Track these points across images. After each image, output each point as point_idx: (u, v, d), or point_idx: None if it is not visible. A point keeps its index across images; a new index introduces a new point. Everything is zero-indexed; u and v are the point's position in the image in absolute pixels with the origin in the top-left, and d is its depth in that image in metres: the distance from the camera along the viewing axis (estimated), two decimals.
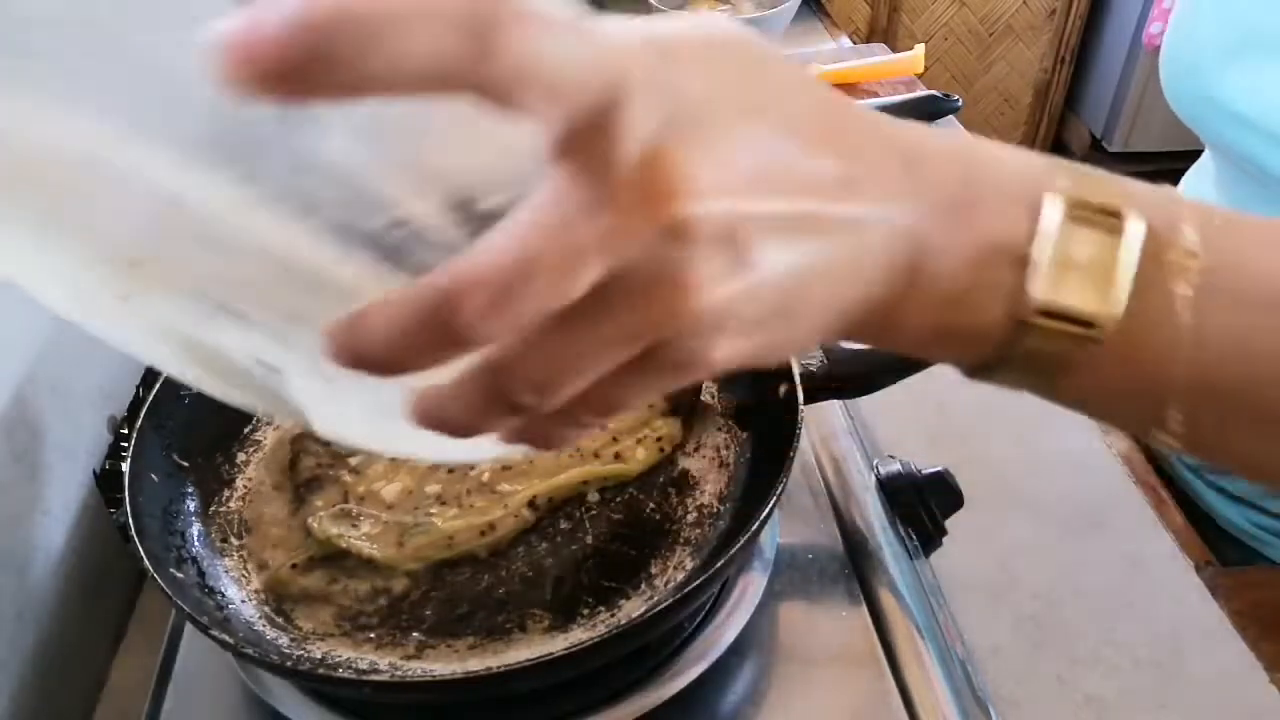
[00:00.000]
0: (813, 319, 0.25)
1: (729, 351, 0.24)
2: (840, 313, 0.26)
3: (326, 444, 0.56)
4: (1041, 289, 0.25)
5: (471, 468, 0.53)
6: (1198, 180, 0.81)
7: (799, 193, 0.24)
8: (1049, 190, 0.26)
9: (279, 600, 0.48)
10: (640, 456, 0.53)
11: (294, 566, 0.49)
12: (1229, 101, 0.68)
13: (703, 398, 0.57)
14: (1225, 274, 0.26)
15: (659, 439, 0.54)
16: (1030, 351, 0.26)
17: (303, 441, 0.56)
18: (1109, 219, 0.26)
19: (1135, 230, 0.26)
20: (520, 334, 0.22)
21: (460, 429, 0.24)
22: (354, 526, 0.50)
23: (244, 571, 0.50)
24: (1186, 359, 0.26)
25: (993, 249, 0.26)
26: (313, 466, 0.54)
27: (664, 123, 0.21)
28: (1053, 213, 0.25)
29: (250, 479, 0.55)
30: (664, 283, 0.22)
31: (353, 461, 0.54)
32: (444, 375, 0.23)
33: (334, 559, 0.49)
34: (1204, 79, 0.70)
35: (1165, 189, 0.28)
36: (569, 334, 0.22)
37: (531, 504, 0.51)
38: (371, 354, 0.21)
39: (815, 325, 0.26)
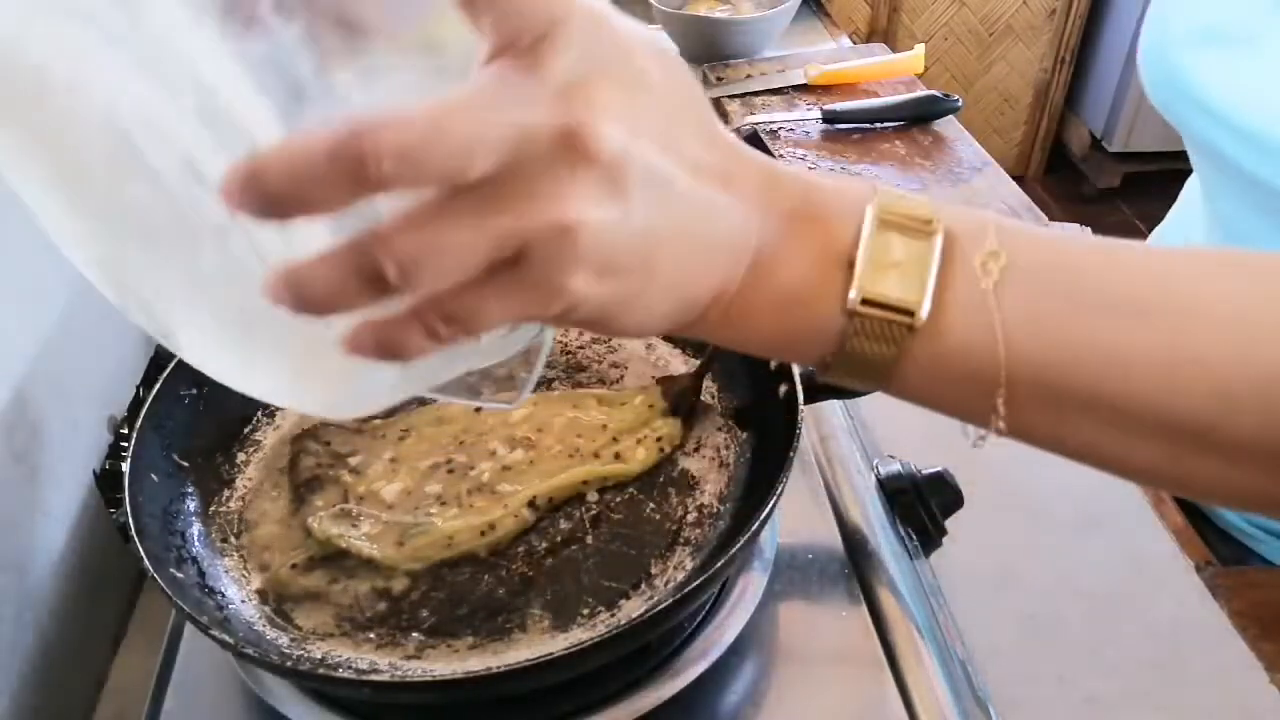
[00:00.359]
0: (663, 283, 0.29)
1: (583, 287, 0.27)
2: (687, 288, 0.29)
3: (326, 444, 0.56)
4: (863, 282, 0.30)
5: (472, 468, 0.53)
6: (1193, 185, 0.81)
7: (683, 164, 0.28)
8: (868, 204, 0.30)
9: (279, 600, 0.48)
10: (640, 456, 0.53)
11: (294, 566, 0.49)
12: (1197, 92, 0.68)
13: (703, 398, 0.57)
14: (1025, 271, 0.30)
15: (659, 439, 0.54)
16: (861, 342, 0.30)
17: (303, 441, 0.56)
18: (920, 225, 0.30)
19: (940, 233, 0.30)
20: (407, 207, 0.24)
21: (317, 301, 0.25)
22: (354, 526, 0.50)
23: (244, 571, 0.50)
24: (997, 347, 0.30)
25: (825, 253, 0.30)
26: (313, 466, 0.54)
27: (592, 65, 0.25)
28: (870, 221, 0.30)
29: (250, 479, 0.55)
30: (549, 189, 0.25)
31: (353, 462, 0.54)
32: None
33: (334, 559, 0.49)
34: (1174, 69, 0.70)
35: (974, 210, 0.32)
36: (450, 216, 0.25)
37: (531, 504, 0.51)
38: (275, 183, 0.23)
39: (665, 293, 0.29)
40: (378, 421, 0.57)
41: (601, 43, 0.26)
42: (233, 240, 0.27)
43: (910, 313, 0.30)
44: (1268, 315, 0.30)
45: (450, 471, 0.53)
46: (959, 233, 0.30)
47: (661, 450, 0.54)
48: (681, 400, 0.55)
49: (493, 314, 0.27)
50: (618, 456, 0.53)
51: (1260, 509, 0.35)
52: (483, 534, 0.49)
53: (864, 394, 0.56)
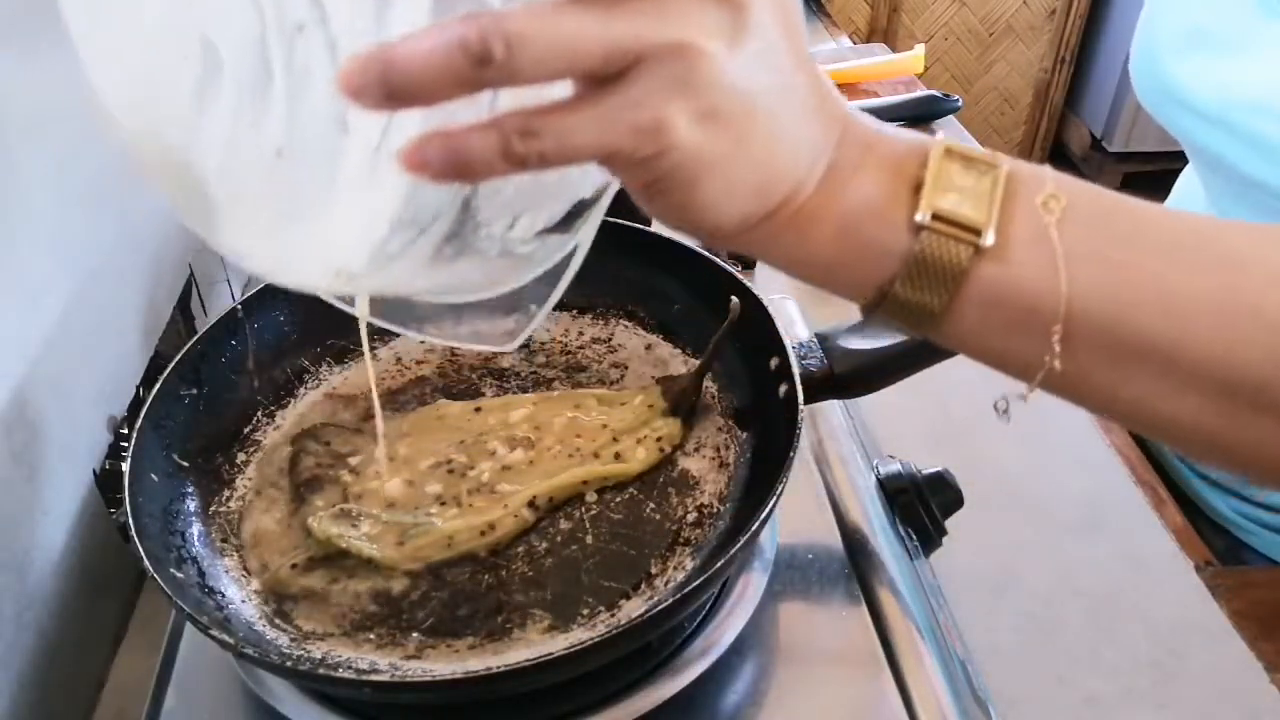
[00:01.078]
0: (751, 155, 0.29)
1: (683, 126, 0.26)
2: (770, 170, 0.30)
3: (326, 444, 0.56)
4: (932, 198, 0.30)
5: (472, 468, 0.53)
6: (1188, 184, 0.81)
7: (793, 53, 0.29)
8: (934, 145, 0.31)
9: (279, 600, 0.48)
10: (640, 456, 0.53)
11: (294, 567, 0.49)
12: (1186, 96, 0.68)
13: (703, 398, 0.57)
14: (1085, 213, 0.31)
15: (659, 439, 0.54)
16: (923, 268, 0.30)
17: (303, 441, 0.56)
18: (985, 160, 0.31)
19: (1005, 167, 0.31)
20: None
21: (408, 81, 0.23)
22: (354, 526, 0.50)
23: (244, 572, 0.50)
24: (1058, 280, 0.30)
25: (895, 176, 0.31)
26: (312, 466, 0.54)
27: None
28: (938, 153, 0.31)
29: (250, 479, 0.55)
30: (679, 9, 0.25)
31: (352, 462, 0.54)
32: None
33: (334, 559, 0.49)
34: (1163, 74, 0.70)
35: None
36: (575, 10, 0.24)
37: (531, 504, 0.51)
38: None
39: (749, 169, 0.29)
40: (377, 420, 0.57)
41: None
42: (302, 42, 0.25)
43: (977, 231, 0.30)
44: None
45: (450, 472, 0.53)
46: (1021, 174, 0.31)
47: (662, 450, 0.54)
48: (682, 400, 0.55)
49: (581, 137, 0.26)
50: (618, 456, 0.53)
51: None
52: (483, 534, 0.49)
53: (861, 395, 0.56)
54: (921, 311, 0.31)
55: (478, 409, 0.57)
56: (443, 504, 0.51)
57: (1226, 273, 0.30)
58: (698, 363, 0.57)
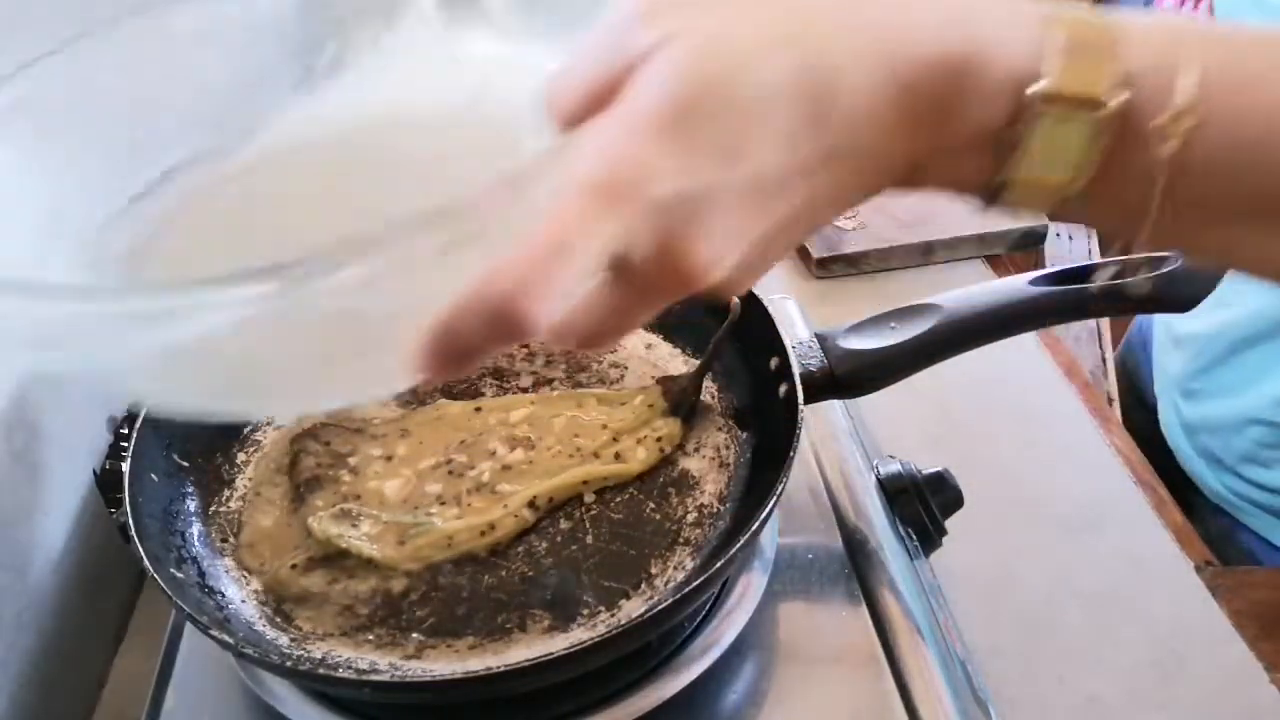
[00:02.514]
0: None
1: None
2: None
3: (327, 444, 0.56)
4: (1011, 172, 0.28)
5: (472, 468, 0.53)
6: None
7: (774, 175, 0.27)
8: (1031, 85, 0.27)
9: (279, 600, 0.48)
10: (640, 456, 0.53)
11: (294, 567, 0.49)
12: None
13: (703, 398, 0.57)
14: (1227, 74, 0.27)
15: (659, 439, 0.54)
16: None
17: (303, 441, 0.56)
18: (1089, 103, 0.27)
19: (1112, 103, 0.27)
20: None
21: (458, 355, 0.26)
22: (354, 526, 0.50)
23: (244, 572, 0.50)
24: (1181, 134, 0.27)
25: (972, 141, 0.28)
26: (313, 466, 0.54)
27: None
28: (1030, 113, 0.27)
29: (250, 479, 0.55)
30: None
31: (352, 461, 0.54)
32: None
33: (334, 559, 0.49)
34: None
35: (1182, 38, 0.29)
36: (609, 295, 0.26)
37: (532, 504, 0.51)
38: (456, 355, 0.26)
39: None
40: (378, 421, 0.57)
41: None
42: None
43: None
44: None
45: (450, 472, 0.53)
46: (1139, 100, 0.27)
47: (662, 450, 0.54)
48: (682, 400, 0.55)
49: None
50: (618, 456, 0.53)
51: None
52: (483, 534, 0.49)
53: (861, 395, 0.56)
54: (1048, 164, 0.28)
55: (478, 409, 0.57)
56: (443, 504, 0.51)
57: None
58: (698, 363, 0.57)
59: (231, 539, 0.52)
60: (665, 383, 0.57)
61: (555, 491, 0.51)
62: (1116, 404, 0.97)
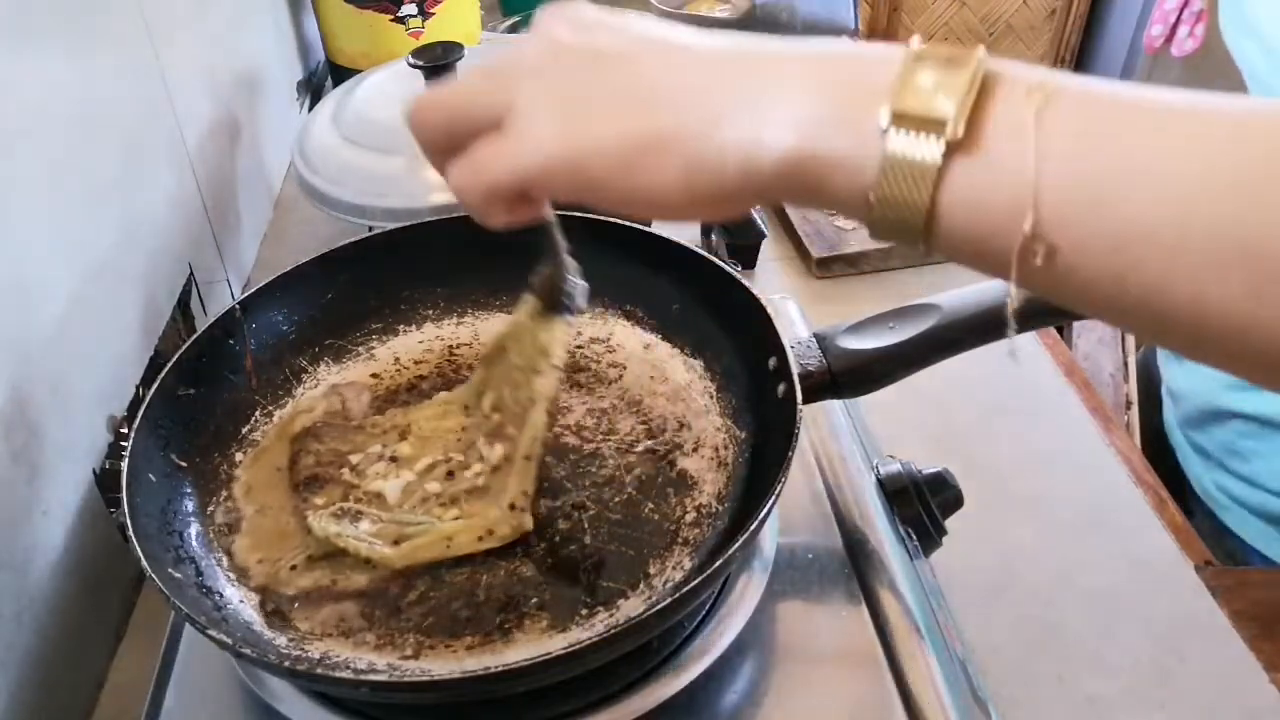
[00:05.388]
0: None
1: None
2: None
3: (326, 443, 0.56)
4: (896, 100, 0.30)
5: (468, 468, 0.52)
6: None
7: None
8: (905, 51, 0.31)
9: (277, 600, 0.48)
10: (537, 386, 0.51)
11: (293, 568, 0.49)
12: (1258, 25, 0.68)
13: (700, 398, 0.57)
14: (1075, 99, 0.29)
15: (543, 353, 0.51)
16: (895, 161, 0.30)
17: (303, 441, 0.56)
18: (959, 61, 0.30)
19: (985, 63, 0.30)
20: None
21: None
22: (354, 525, 0.50)
23: (242, 571, 0.50)
24: (1039, 168, 0.29)
25: (854, 86, 0.31)
26: (312, 465, 0.54)
27: None
28: (908, 56, 0.31)
29: (248, 479, 0.55)
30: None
31: (353, 460, 0.54)
32: None
33: (333, 558, 0.49)
34: (1245, 2, 0.70)
35: None
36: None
37: (512, 507, 0.50)
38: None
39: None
40: (377, 419, 0.57)
41: None
42: None
43: (943, 124, 0.29)
44: None
45: (449, 474, 0.53)
46: (1005, 69, 0.30)
47: (554, 366, 0.51)
48: (552, 293, 0.51)
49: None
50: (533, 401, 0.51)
51: None
52: (480, 539, 0.49)
53: (861, 395, 0.56)
54: (905, 217, 0.31)
55: (466, 406, 0.55)
56: (442, 505, 0.51)
57: (1239, 142, 0.28)
58: (697, 362, 0.57)
59: (230, 539, 0.51)
60: (533, 285, 0.52)
61: (524, 484, 0.50)
62: (1135, 407, 0.97)
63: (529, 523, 0.50)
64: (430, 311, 0.65)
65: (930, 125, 0.29)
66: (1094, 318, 0.32)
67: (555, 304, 0.51)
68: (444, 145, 0.39)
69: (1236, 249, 0.27)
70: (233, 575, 0.49)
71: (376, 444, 0.55)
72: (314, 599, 0.48)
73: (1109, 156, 0.28)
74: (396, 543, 0.49)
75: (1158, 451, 0.89)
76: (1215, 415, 0.80)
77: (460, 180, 0.38)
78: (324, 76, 1.25)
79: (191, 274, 0.80)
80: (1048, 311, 0.45)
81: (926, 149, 0.30)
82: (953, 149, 0.29)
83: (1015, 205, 0.29)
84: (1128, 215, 0.28)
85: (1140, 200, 0.28)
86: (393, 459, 0.54)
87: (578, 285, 0.51)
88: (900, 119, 0.30)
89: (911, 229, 0.31)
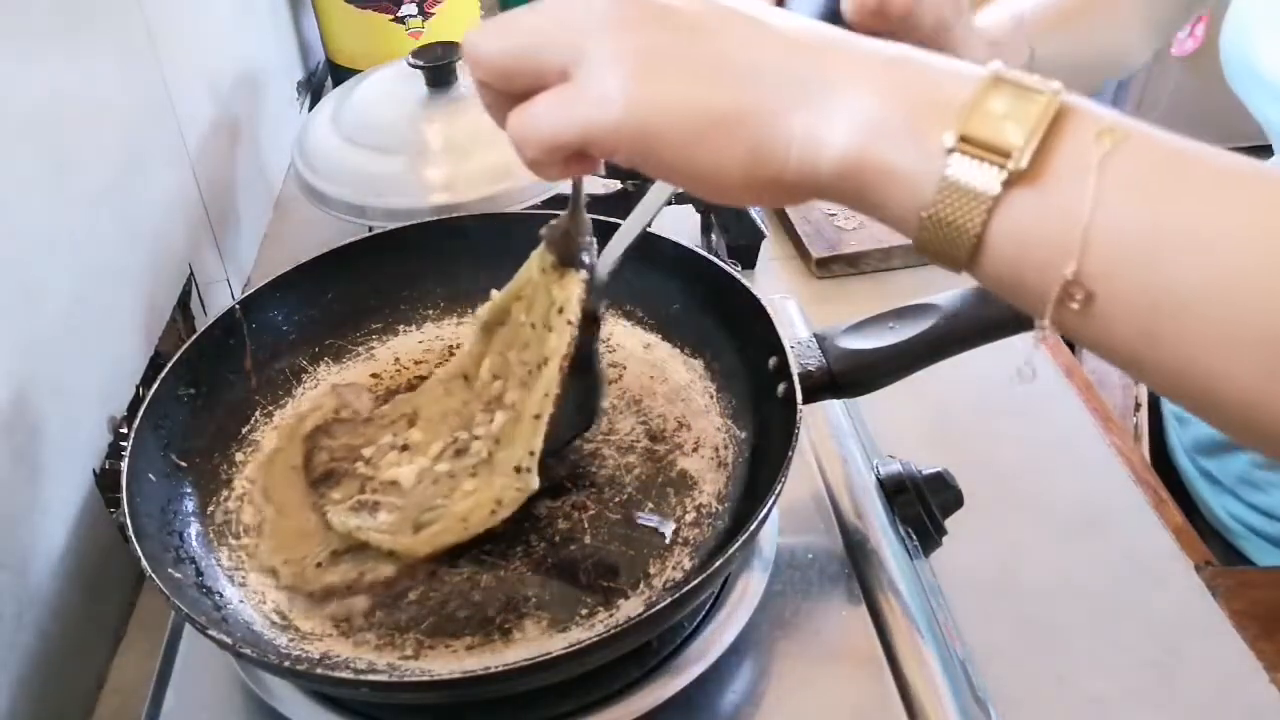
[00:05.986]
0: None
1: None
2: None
3: (338, 437, 0.56)
4: (965, 124, 0.29)
5: (476, 439, 0.52)
6: None
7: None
8: (984, 72, 0.30)
9: (278, 600, 0.48)
10: (551, 344, 0.49)
11: (319, 565, 0.49)
12: (1265, 72, 0.68)
13: (701, 399, 0.57)
14: (1141, 148, 0.29)
15: (560, 309, 0.49)
16: (956, 184, 0.29)
17: (315, 438, 0.56)
18: (1035, 90, 0.30)
19: (1060, 96, 0.29)
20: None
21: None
22: (372, 517, 0.50)
23: (241, 571, 0.50)
24: (1093, 215, 0.28)
25: (929, 101, 0.31)
26: (327, 461, 0.54)
27: None
28: (986, 79, 0.30)
29: (249, 479, 0.55)
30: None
31: (366, 453, 0.54)
32: None
33: (357, 551, 0.49)
34: (1248, 48, 0.70)
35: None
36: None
37: (517, 469, 0.49)
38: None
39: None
40: (385, 409, 0.57)
41: None
42: None
43: (1008, 155, 0.28)
44: None
45: (458, 452, 0.52)
46: (1079, 106, 0.29)
47: (569, 323, 0.48)
48: (567, 247, 0.49)
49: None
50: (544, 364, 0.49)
51: None
52: (492, 512, 0.49)
53: (861, 395, 0.56)
54: (953, 240, 0.30)
55: (465, 376, 0.54)
56: (454, 485, 0.51)
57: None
58: (697, 361, 0.57)
59: (230, 539, 0.52)
60: (545, 238, 0.50)
61: (531, 444, 0.48)
62: (1144, 409, 0.96)
63: (534, 482, 0.49)
64: (430, 311, 0.65)
65: (996, 153, 0.29)
66: (1115, 366, 0.32)
67: (571, 258, 0.49)
68: (501, 85, 0.36)
69: (1265, 328, 0.27)
70: (232, 575, 0.49)
71: (387, 434, 0.55)
72: (314, 599, 0.48)
73: (1164, 215, 0.28)
74: (417, 530, 0.49)
75: (1166, 463, 0.88)
76: (1228, 444, 0.79)
77: (521, 130, 0.36)
78: (324, 76, 1.25)
79: (191, 274, 0.80)
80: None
81: (987, 177, 0.29)
82: (1013, 180, 0.29)
83: (1063, 247, 0.29)
84: (1173, 276, 0.28)
85: (1188, 264, 0.28)
86: (404, 447, 0.54)
87: (594, 241, 0.49)
88: (966, 142, 0.29)
89: (957, 254, 0.30)
